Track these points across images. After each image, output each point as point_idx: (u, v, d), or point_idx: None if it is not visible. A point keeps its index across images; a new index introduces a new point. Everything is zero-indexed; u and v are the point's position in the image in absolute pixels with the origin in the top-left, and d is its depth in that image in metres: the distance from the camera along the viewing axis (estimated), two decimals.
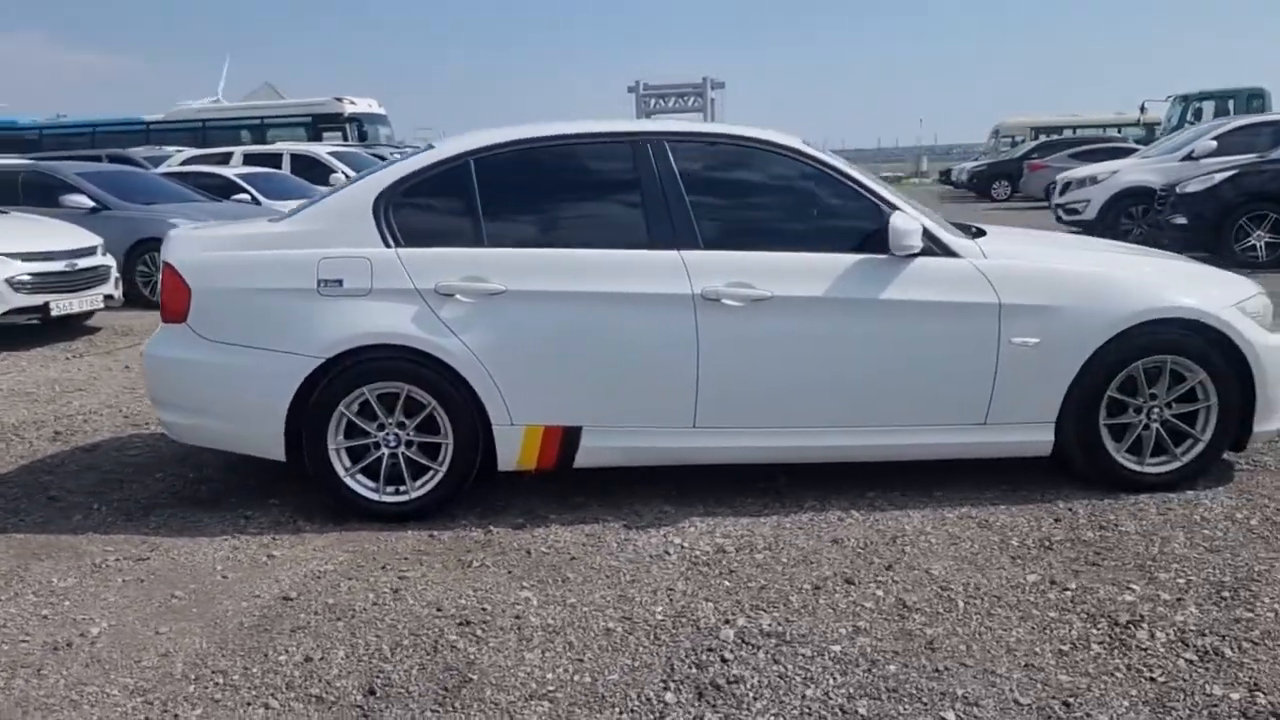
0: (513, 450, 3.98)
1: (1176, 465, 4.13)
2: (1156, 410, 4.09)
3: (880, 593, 3.26)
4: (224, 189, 12.88)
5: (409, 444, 3.98)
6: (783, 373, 3.96)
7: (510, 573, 3.49)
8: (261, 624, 3.15)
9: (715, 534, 3.77)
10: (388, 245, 3.95)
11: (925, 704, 2.61)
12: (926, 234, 3.98)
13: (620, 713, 2.61)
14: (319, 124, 29.83)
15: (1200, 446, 4.12)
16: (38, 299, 8.14)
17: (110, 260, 8.99)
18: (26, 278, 8.07)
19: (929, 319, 3.95)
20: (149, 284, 10.08)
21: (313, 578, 3.49)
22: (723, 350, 3.91)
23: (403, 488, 3.99)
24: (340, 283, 3.90)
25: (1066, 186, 14.58)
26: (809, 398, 3.99)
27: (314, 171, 15.47)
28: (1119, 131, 31.30)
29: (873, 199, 4.05)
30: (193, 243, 4.15)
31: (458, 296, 3.88)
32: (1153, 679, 2.69)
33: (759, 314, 3.90)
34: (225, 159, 16.77)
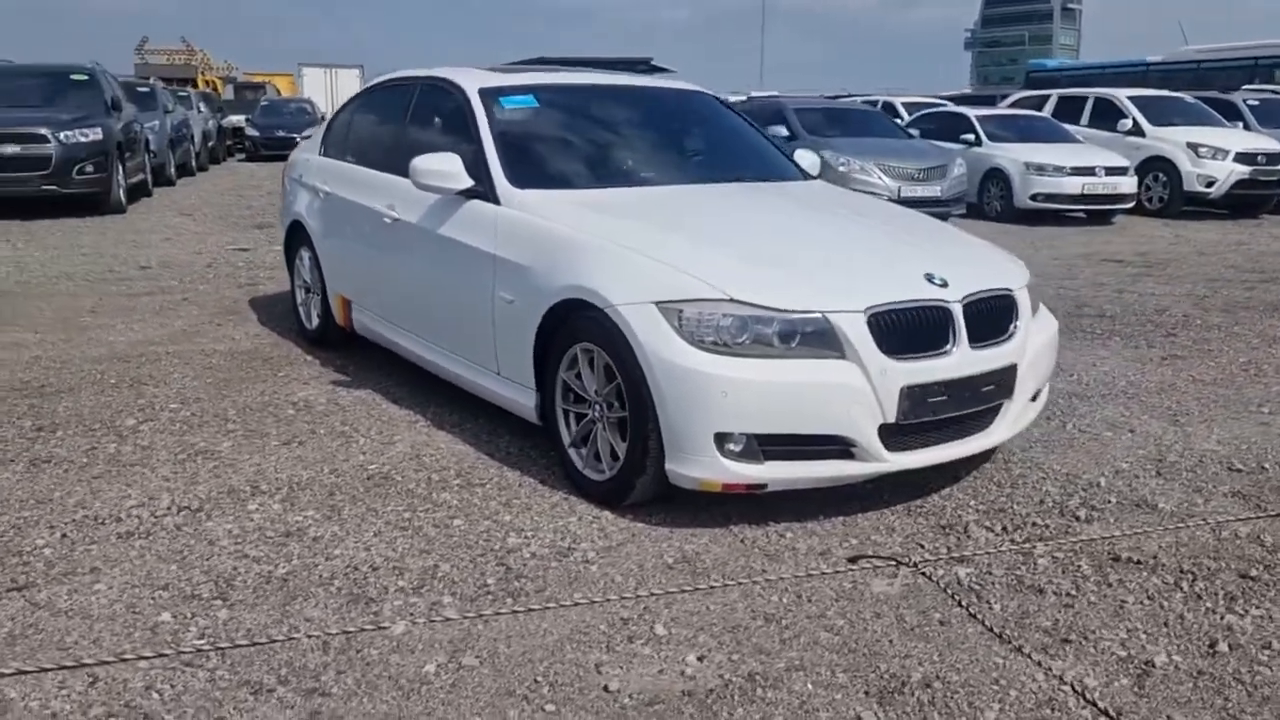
0: (334, 309, 5.49)
1: (602, 478, 3.49)
2: (599, 407, 3.50)
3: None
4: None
5: (310, 290, 5.80)
6: (405, 286, 4.62)
7: (295, 380, 5.14)
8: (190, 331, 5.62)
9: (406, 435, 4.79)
10: (319, 154, 5.74)
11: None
12: (488, 177, 4.09)
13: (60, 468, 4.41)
14: None
15: (619, 465, 3.38)
16: None
17: None
18: None
19: (453, 258, 4.14)
20: None
21: (213, 348, 5.76)
22: (384, 257, 4.78)
23: (316, 322, 5.85)
24: (301, 177, 5.86)
25: None
26: (417, 314, 4.57)
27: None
28: None
29: (479, 142, 4.25)
30: (301, 148, 6.50)
31: (319, 193, 5.51)
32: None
33: (394, 232, 4.63)
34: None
